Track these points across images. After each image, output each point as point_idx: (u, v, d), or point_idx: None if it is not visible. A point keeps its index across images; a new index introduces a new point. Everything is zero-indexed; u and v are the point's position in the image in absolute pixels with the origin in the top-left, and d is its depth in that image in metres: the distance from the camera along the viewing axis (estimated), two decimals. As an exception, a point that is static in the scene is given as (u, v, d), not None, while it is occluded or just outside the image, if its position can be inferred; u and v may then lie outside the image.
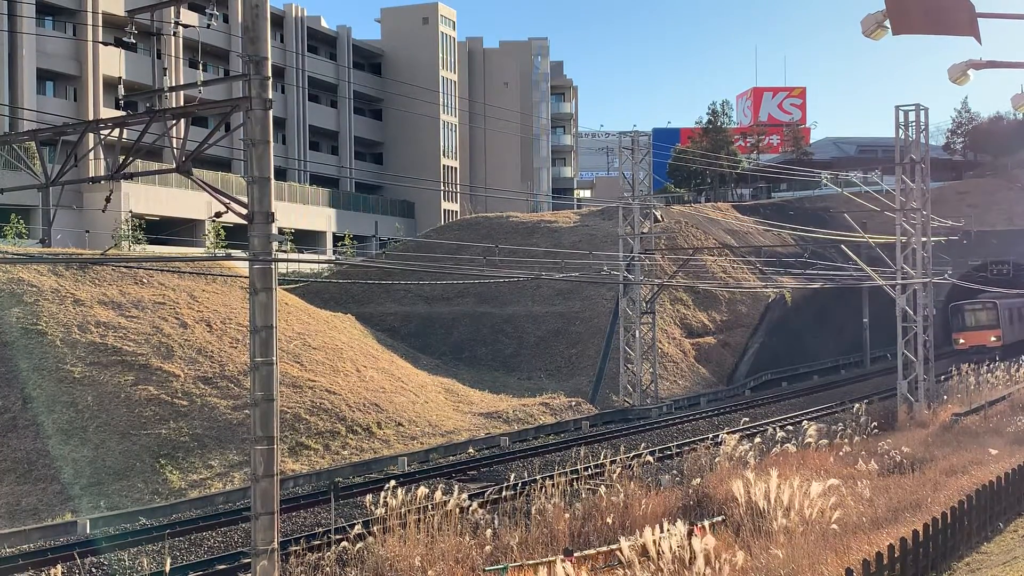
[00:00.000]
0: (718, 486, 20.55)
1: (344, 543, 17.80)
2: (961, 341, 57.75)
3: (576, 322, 51.38)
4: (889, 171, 41.76)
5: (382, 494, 18.54)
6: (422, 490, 18.70)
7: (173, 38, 16.93)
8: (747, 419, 29.36)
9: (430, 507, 18.47)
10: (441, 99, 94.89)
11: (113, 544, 21.70)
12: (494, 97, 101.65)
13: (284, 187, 74.31)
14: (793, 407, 42.27)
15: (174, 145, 14.59)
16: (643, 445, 32.18)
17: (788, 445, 25.39)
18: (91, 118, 51.75)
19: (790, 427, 28.81)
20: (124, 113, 15.12)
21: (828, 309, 60.71)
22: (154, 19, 16.00)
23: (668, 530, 14.75)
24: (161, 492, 27.55)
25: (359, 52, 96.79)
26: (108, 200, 16.00)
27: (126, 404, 30.65)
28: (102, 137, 15.24)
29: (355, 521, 20.57)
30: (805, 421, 28.66)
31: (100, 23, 60.51)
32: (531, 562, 16.10)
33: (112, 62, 62.95)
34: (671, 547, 14.29)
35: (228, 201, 13.27)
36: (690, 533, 15.08)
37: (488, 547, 17.23)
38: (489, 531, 18.04)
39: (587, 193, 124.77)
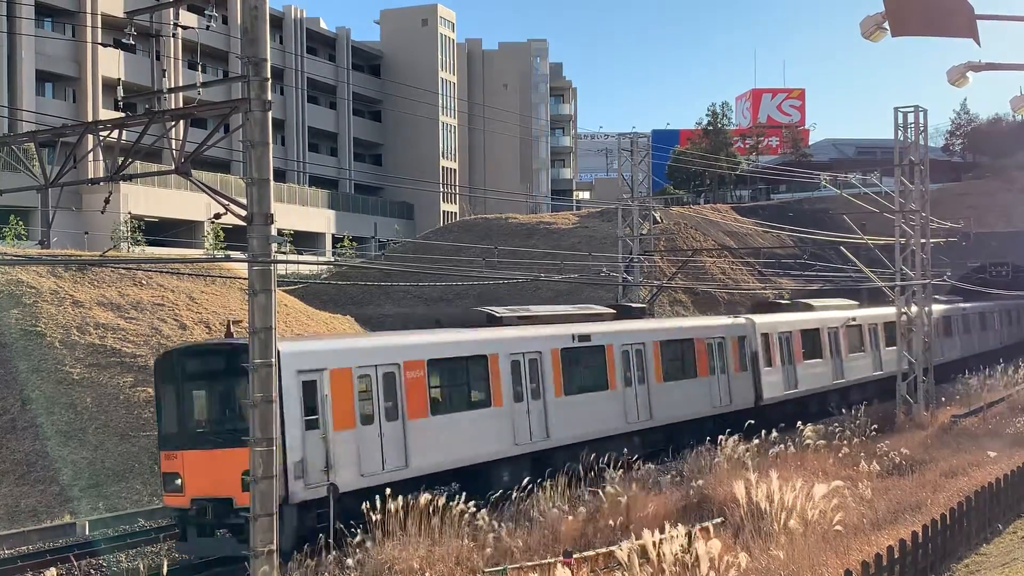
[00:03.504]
0: (717, 487, 20.54)
1: (344, 545, 17.75)
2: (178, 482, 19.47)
3: (575, 324, 51.31)
4: (888, 173, 41.75)
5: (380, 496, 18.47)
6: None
7: (172, 39, 16.95)
8: (746, 419, 29.44)
9: (431, 509, 18.43)
10: (440, 101, 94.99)
11: (112, 545, 21.66)
12: (493, 99, 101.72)
13: (283, 189, 74.34)
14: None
15: (173, 146, 14.58)
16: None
17: (787, 446, 25.37)
18: (90, 119, 51.73)
19: (789, 428, 28.81)
20: (123, 114, 15.11)
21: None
22: (153, 20, 16.01)
23: (670, 533, 14.73)
24: (160, 494, 27.52)
25: (358, 54, 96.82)
26: (107, 201, 15.99)
27: (125, 406, 30.62)
28: (101, 138, 15.23)
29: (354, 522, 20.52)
30: (802, 422, 28.66)
31: (99, 24, 60.50)
32: (531, 564, 16.09)
33: (111, 63, 62.99)
34: (673, 550, 14.28)
35: (227, 202, 13.26)
36: (691, 535, 15.08)
37: (488, 549, 17.21)
38: (490, 534, 18.01)
39: (586, 194, 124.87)
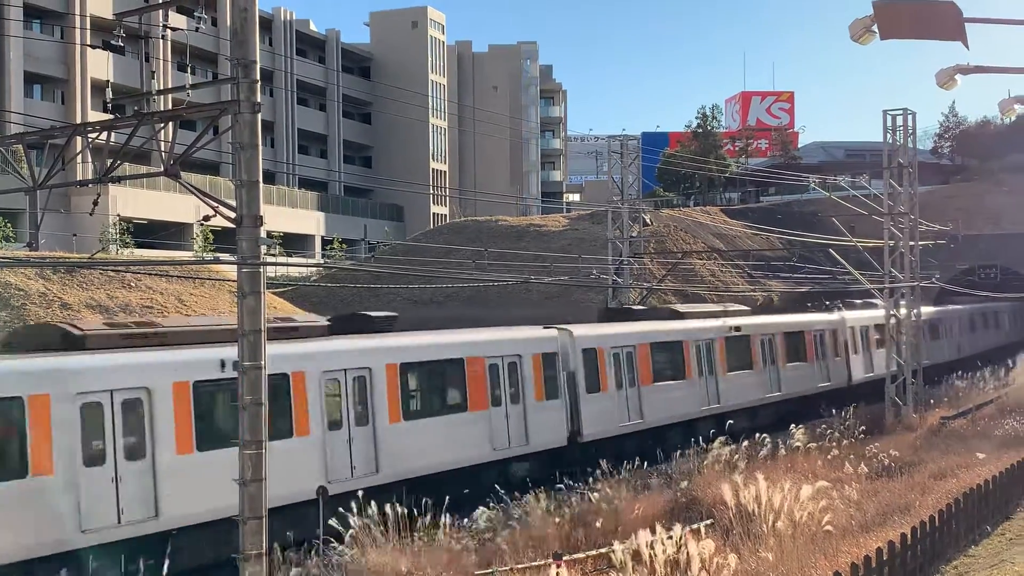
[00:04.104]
0: (706, 489, 20.55)
1: (333, 549, 17.72)
2: None
3: (565, 326, 51.23)
4: (877, 175, 41.90)
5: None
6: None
7: (161, 41, 16.93)
8: (732, 421, 29.29)
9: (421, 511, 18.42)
10: (430, 103, 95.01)
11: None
12: (483, 101, 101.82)
13: (273, 190, 74.25)
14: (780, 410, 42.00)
15: (162, 148, 14.55)
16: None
17: (776, 448, 25.40)
18: (79, 121, 51.60)
19: (778, 430, 28.83)
20: (112, 116, 15.07)
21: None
22: (142, 22, 15.98)
23: (660, 535, 14.74)
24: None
25: (348, 56, 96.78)
26: (96, 203, 15.98)
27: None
28: (90, 140, 15.19)
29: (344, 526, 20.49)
30: (792, 425, 28.64)
31: (88, 26, 60.36)
32: (521, 566, 16.08)
33: (100, 65, 62.83)
34: (665, 551, 14.29)
35: (216, 204, 13.22)
36: (681, 537, 15.09)
37: (477, 552, 17.19)
38: (479, 536, 18.01)
39: (576, 197, 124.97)
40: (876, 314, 41.77)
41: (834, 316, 40.43)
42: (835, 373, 38.94)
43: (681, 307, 34.99)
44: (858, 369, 40.34)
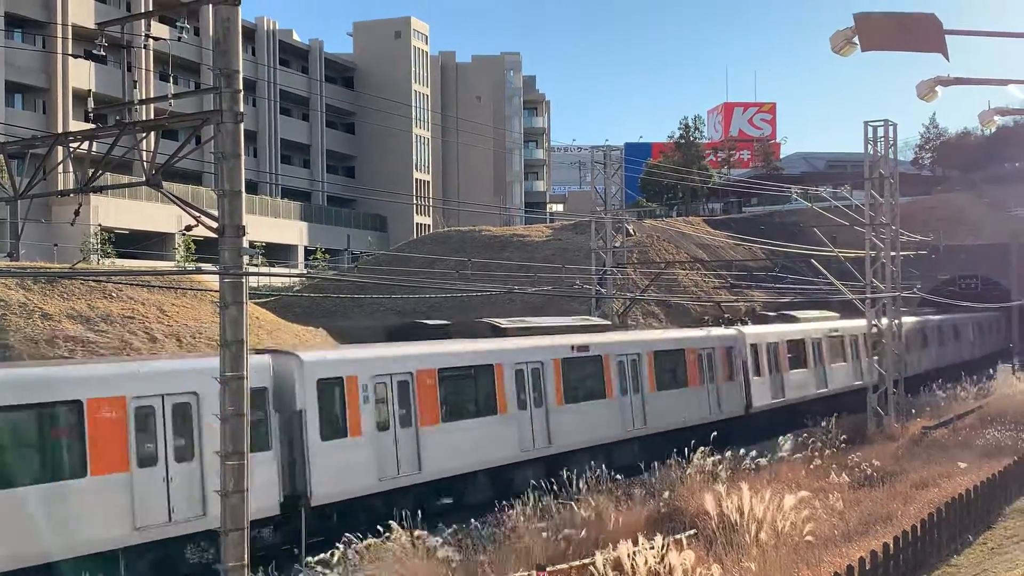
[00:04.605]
0: (689, 499, 20.56)
1: (315, 563, 17.63)
2: None
3: (548, 336, 51.14)
4: (858, 186, 42.07)
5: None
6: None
7: (144, 51, 16.87)
8: (716, 432, 29.22)
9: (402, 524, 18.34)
10: (414, 113, 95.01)
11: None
12: (467, 111, 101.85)
13: (255, 200, 74.04)
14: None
15: (144, 158, 14.49)
16: (615, 458, 31.39)
17: (758, 458, 25.46)
18: (60, 131, 51.36)
19: (761, 440, 28.90)
20: (94, 126, 15.01)
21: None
22: (124, 31, 15.94)
23: (643, 544, 14.74)
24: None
25: (331, 66, 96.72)
26: (77, 213, 15.93)
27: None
28: (71, 150, 15.11)
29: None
30: (780, 436, 28.70)
31: (70, 35, 60.17)
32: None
33: (82, 75, 62.58)
34: (646, 561, 14.28)
35: (198, 215, 13.16)
36: (664, 547, 15.09)
37: (457, 564, 17.13)
38: (462, 547, 17.94)
39: (559, 207, 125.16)
40: (790, 328, 38.95)
41: (729, 332, 35.54)
42: (728, 400, 33.53)
43: (504, 322, 28.44)
44: (761, 394, 35.11)
